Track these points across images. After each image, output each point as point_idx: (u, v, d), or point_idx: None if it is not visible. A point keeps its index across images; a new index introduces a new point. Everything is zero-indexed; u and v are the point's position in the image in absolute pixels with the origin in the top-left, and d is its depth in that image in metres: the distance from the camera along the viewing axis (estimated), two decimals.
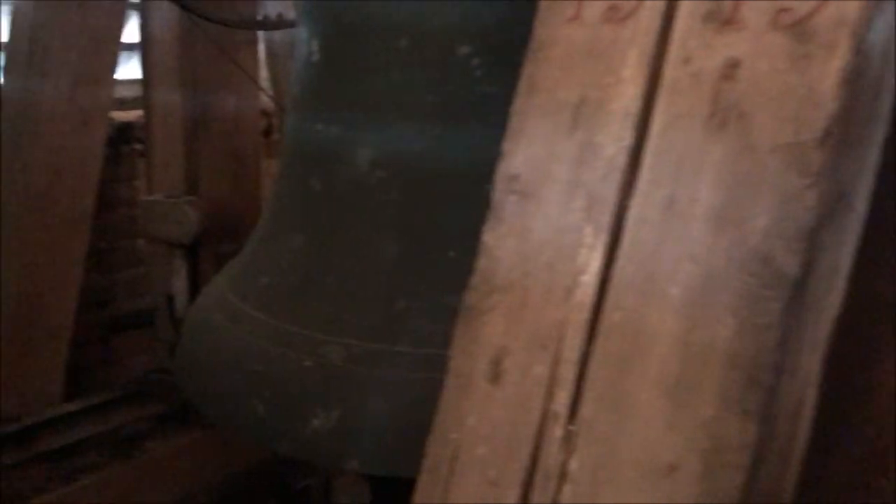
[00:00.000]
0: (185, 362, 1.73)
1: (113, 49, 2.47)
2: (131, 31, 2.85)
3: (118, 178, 3.13)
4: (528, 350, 0.81)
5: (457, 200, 1.46)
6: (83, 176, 2.48)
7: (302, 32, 1.66)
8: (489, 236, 0.85)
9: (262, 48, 3.01)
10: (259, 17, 2.76)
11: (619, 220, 0.79)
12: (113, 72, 2.50)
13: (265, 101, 3.00)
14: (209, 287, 1.82)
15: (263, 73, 3.01)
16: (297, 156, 1.67)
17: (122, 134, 3.07)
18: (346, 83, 1.56)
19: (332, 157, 1.54)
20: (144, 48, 2.69)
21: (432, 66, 1.48)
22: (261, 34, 2.94)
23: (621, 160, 0.79)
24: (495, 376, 0.82)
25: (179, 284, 2.71)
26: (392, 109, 1.50)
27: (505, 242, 0.84)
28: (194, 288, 2.75)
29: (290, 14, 2.92)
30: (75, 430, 2.61)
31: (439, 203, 1.48)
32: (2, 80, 2.48)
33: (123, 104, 3.05)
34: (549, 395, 0.79)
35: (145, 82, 2.72)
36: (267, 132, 3.30)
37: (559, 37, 0.85)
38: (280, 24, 2.76)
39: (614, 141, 0.80)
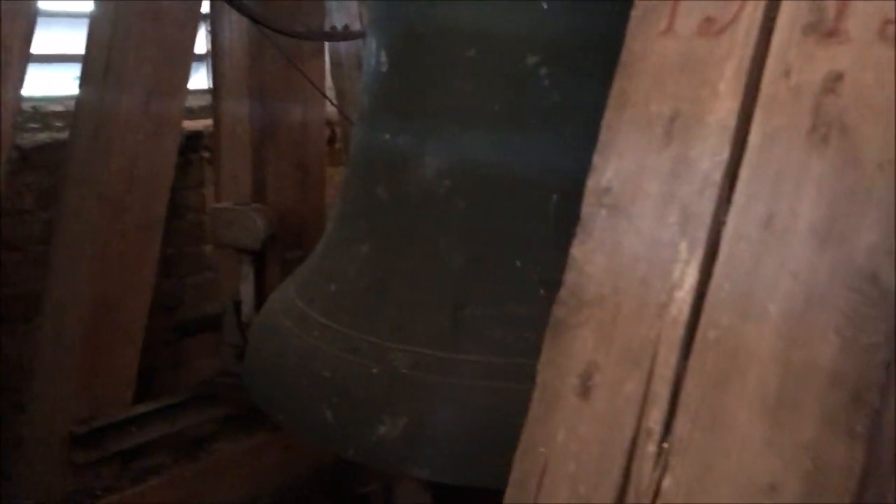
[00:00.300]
0: (252, 366, 1.76)
1: (185, 61, 2.53)
2: (200, 43, 2.92)
3: (187, 186, 3.21)
4: (620, 366, 0.80)
5: (523, 209, 1.47)
6: (156, 184, 2.54)
7: (370, 43, 1.67)
8: (578, 250, 0.85)
9: (326, 58, 3.05)
10: (326, 29, 2.80)
11: (715, 235, 0.78)
12: (185, 83, 2.56)
13: (329, 110, 3.04)
14: (277, 292, 1.84)
15: (328, 83, 3.04)
16: (363, 164, 1.68)
17: (191, 142, 3.14)
18: (415, 92, 1.57)
19: (399, 165, 1.55)
20: (214, 59, 2.75)
21: (500, 75, 1.48)
22: (326, 45, 2.98)
23: (717, 175, 0.78)
24: (585, 391, 0.82)
25: (246, 290, 2.76)
26: (460, 118, 1.51)
27: (595, 257, 0.84)
28: (261, 293, 2.80)
29: (357, 25, 2.96)
30: (144, 432, 2.67)
31: (505, 212, 1.48)
32: (78, 90, 2.56)
33: (192, 113, 3.12)
34: (642, 411, 0.78)
35: (215, 92, 2.78)
36: (330, 141, 3.35)
37: (651, 50, 0.84)
38: (347, 35, 2.80)
39: (710, 155, 0.79)
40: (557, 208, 1.45)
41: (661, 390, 0.78)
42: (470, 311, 1.44)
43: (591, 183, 0.85)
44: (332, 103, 2.81)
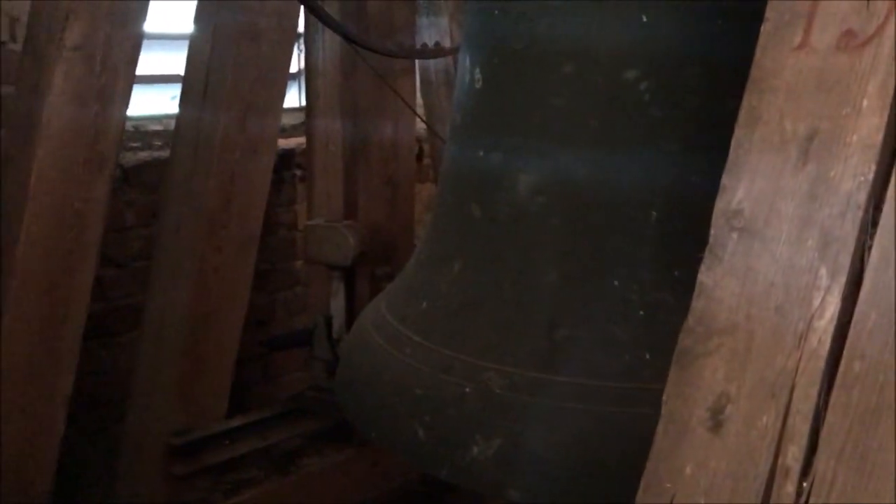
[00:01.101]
0: (345, 382, 1.75)
1: (281, 80, 2.58)
2: (292, 61, 2.97)
3: (279, 203, 3.27)
4: (754, 398, 0.76)
5: (620, 227, 1.42)
6: (252, 201, 2.59)
7: (463, 59, 1.66)
8: (707, 276, 0.81)
9: (416, 75, 3.07)
10: (417, 46, 2.81)
11: (858, 261, 0.73)
12: (281, 102, 2.61)
13: (418, 126, 3.05)
14: (369, 309, 1.84)
15: (418, 100, 3.06)
16: (455, 181, 1.67)
17: (284, 160, 3.20)
18: (509, 109, 1.54)
19: (491, 182, 1.53)
20: (307, 78, 2.79)
21: (598, 90, 1.44)
22: (416, 62, 3.00)
23: (861, 196, 0.74)
24: (716, 424, 0.78)
25: (337, 305, 2.79)
26: (555, 134, 1.47)
27: (725, 282, 0.80)
28: (351, 309, 2.82)
29: (447, 42, 2.97)
30: (237, 445, 2.72)
31: (602, 230, 1.43)
32: (178, 110, 2.64)
33: (285, 131, 3.18)
34: (779, 447, 0.74)
35: (308, 111, 2.83)
36: (419, 157, 3.36)
37: (785, 65, 0.80)
38: (438, 52, 2.81)
39: (852, 175, 0.74)
40: (657, 226, 1.41)
41: (801, 425, 0.73)
42: (565, 332, 1.41)
43: (721, 205, 0.82)
44: (422, 120, 2.82)
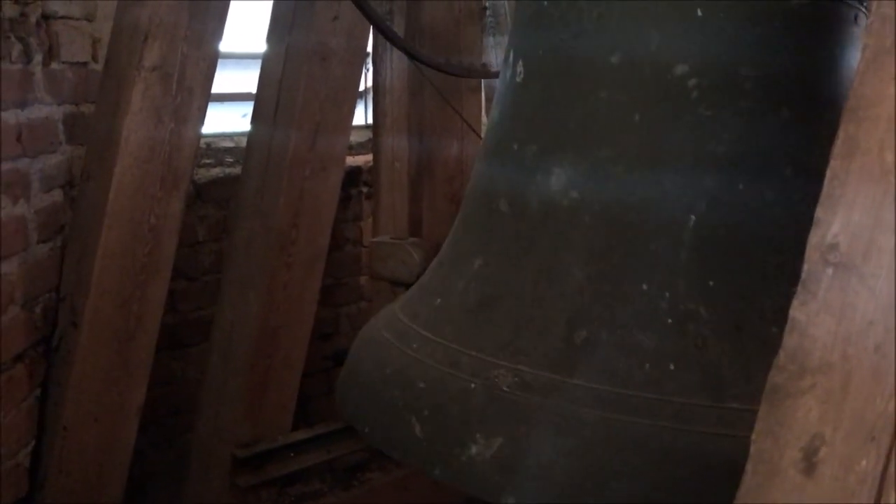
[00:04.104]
0: (346, 378, 1.65)
1: (351, 99, 2.61)
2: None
3: (346, 219, 3.31)
4: (851, 441, 0.73)
5: (655, 229, 1.34)
6: (320, 218, 2.62)
7: (508, 54, 1.61)
8: (800, 311, 0.78)
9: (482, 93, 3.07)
10: (482, 65, 2.82)
11: None
12: (350, 121, 2.64)
13: None
14: (382, 311, 1.74)
15: (483, 118, 3.06)
16: (487, 177, 1.60)
17: (351, 177, 3.24)
18: (549, 101, 1.47)
19: (524, 176, 1.45)
20: (375, 97, 2.82)
21: (645, 84, 1.37)
22: (482, 80, 3.00)
23: None
24: (810, 467, 0.75)
25: None
26: (596, 129, 1.40)
27: (820, 319, 0.77)
28: None
29: None
30: (301, 458, 2.75)
31: (636, 231, 1.35)
32: (250, 128, 2.69)
33: (351, 149, 3.22)
34: (880, 493, 0.71)
35: (375, 129, 2.86)
36: None
37: (885, 95, 0.77)
38: None
39: None
40: (695, 232, 1.32)
41: None
42: (585, 333, 1.31)
43: (815, 238, 0.79)
44: None
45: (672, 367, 1.28)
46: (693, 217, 1.33)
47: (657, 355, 1.29)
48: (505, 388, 1.31)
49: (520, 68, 1.55)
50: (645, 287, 1.32)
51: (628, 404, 1.25)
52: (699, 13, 1.37)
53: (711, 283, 1.33)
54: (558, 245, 1.41)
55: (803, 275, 0.80)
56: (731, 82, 1.37)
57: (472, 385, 1.34)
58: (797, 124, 1.43)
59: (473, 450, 1.27)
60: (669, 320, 1.31)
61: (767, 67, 1.39)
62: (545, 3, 1.51)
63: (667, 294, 1.32)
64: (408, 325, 1.54)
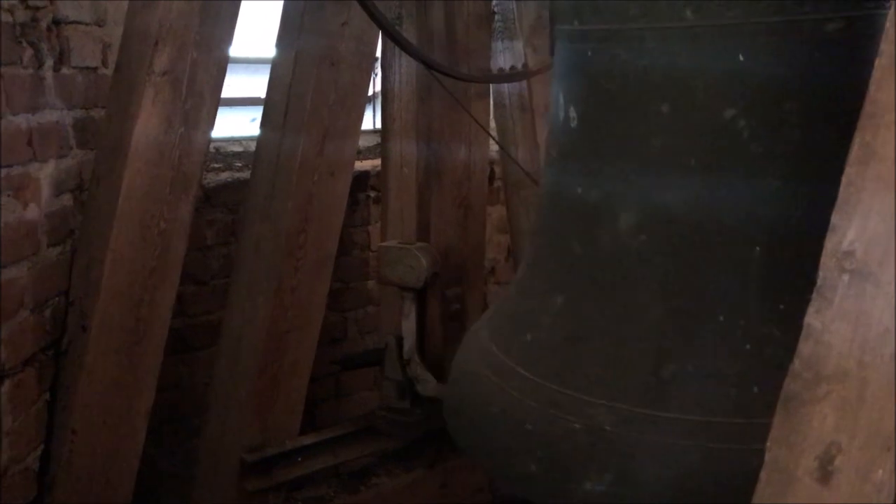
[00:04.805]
0: (454, 411, 1.78)
1: (360, 104, 2.62)
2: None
3: (353, 223, 3.31)
4: (868, 450, 0.73)
5: (724, 262, 1.43)
6: (328, 222, 2.62)
7: (557, 95, 1.66)
8: (815, 318, 0.78)
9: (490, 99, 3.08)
10: (493, 70, 2.82)
11: None
12: (359, 125, 2.65)
13: (490, 149, 3.06)
14: (471, 336, 1.85)
15: (491, 123, 3.07)
16: (555, 217, 1.68)
17: (359, 182, 3.24)
18: (606, 148, 1.55)
19: (591, 220, 1.54)
20: (384, 101, 2.83)
21: (696, 128, 1.44)
22: (490, 85, 3.01)
23: None
24: (825, 475, 0.75)
25: (408, 326, 2.80)
26: (654, 172, 1.48)
27: (836, 326, 0.77)
28: (422, 330, 2.83)
29: (521, 65, 2.97)
30: (309, 463, 2.74)
31: (706, 266, 1.44)
32: (259, 132, 2.69)
33: (359, 153, 3.23)
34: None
35: (383, 134, 2.86)
36: (490, 180, 3.37)
37: None
38: (512, 76, 2.81)
39: None
40: (761, 260, 1.41)
41: None
42: (672, 367, 1.41)
43: (830, 245, 0.79)
44: (499, 145, 2.82)
45: (756, 389, 1.35)
46: (758, 248, 1.41)
47: (740, 380, 1.37)
48: (607, 427, 1.41)
49: (572, 113, 1.61)
50: (721, 318, 1.40)
51: (720, 431, 1.34)
52: (741, 58, 1.40)
53: (782, 306, 1.40)
54: (635, 285, 1.49)
55: (819, 281, 0.80)
56: (779, 117, 1.43)
57: (576, 425, 1.44)
58: (844, 144, 1.46)
59: (587, 485, 1.39)
60: (748, 346, 1.39)
61: (812, 96, 1.44)
62: (590, 53, 1.55)
63: (742, 322, 1.40)
64: (503, 360, 1.64)
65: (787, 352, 1.37)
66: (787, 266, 1.40)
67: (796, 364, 0.79)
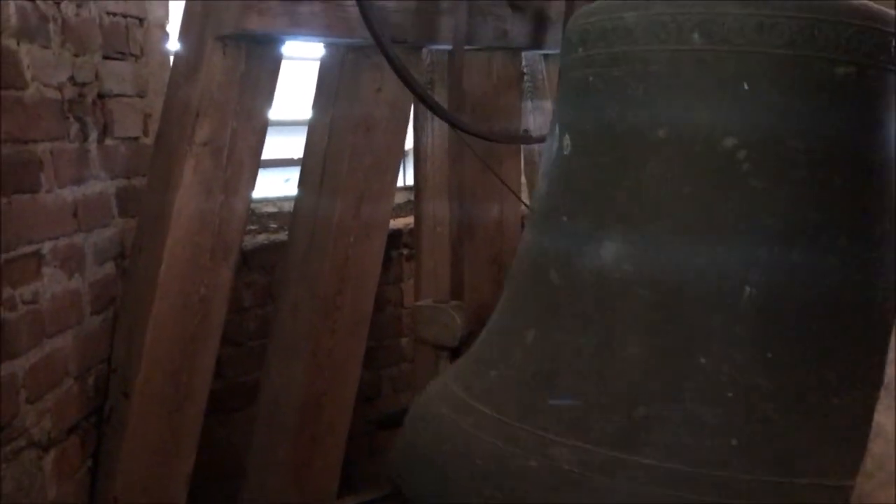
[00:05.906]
0: (402, 451, 1.68)
1: (394, 167, 2.66)
2: None
3: (387, 281, 3.33)
4: None
5: (711, 301, 1.36)
6: (364, 283, 2.65)
7: (554, 127, 1.64)
8: (886, 417, 0.78)
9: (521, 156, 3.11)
10: (522, 131, 2.86)
11: None
12: (393, 188, 2.69)
13: (522, 206, 3.08)
14: (431, 385, 1.77)
15: (522, 179, 3.10)
16: (536, 248, 1.62)
17: (392, 240, 3.27)
18: (598, 175, 1.51)
19: (575, 248, 1.48)
20: (416, 162, 2.87)
21: (693, 157, 1.41)
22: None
23: None
24: None
25: None
26: (646, 201, 1.44)
27: None
28: None
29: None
30: None
31: (692, 304, 1.37)
32: (297, 195, 2.73)
33: (392, 211, 3.26)
34: None
35: (416, 194, 2.89)
36: None
37: None
38: (540, 138, 2.84)
39: None
40: (752, 303, 1.34)
41: None
42: (646, 409, 1.33)
43: None
44: (525, 205, 2.84)
45: (735, 442, 1.28)
46: (748, 288, 1.35)
47: (720, 431, 1.29)
48: (566, 467, 1.32)
49: (567, 141, 1.58)
50: (703, 360, 1.33)
51: (693, 482, 1.25)
52: (745, 87, 1.40)
53: (770, 354, 1.33)
54: (613, 318, 1.42)
55: (886, 378, 0.80)
56: (781, 153, 1.40)
57: (533, 463, 1.34)
58: (849, 192, 1.44)
59: None
60: (730, 394, 1.31)
61: (817, 138, 1.41)
62: (591, 78, 1.55)
63: (725, 367, 1.33)
64: (462, 397, 1.54)
65: (774, 404, 1.31)
66: (779, 312, 1.34)
67: (868, 463, 0.79)
